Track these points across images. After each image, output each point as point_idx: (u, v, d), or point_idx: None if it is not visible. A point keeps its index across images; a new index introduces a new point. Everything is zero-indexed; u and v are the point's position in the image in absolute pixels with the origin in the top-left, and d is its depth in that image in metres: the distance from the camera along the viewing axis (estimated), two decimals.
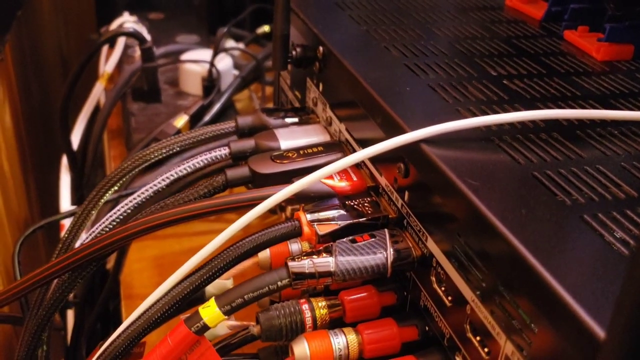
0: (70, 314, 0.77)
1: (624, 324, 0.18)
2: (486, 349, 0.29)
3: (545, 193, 0.30)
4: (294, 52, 0.50)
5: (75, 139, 0.88)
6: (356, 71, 0.41)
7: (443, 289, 0.33)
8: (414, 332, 0.36)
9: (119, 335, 0.37)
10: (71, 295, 0.75)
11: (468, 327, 0.31)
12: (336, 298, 0.37)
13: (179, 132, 0.74)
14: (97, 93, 0.89)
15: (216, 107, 0.79)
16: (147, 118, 0.82)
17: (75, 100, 0.91)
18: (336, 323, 0.37)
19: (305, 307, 0.36)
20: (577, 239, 0.26)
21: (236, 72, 0.89)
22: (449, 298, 0.33)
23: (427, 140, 0.33)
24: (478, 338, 0.30)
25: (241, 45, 0.98)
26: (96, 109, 0.91)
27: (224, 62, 0.87)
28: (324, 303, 0.37)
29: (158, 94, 0.85)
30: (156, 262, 0.68)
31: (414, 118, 0.35)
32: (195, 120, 0.77)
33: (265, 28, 0.98)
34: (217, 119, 0.80)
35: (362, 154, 0.34)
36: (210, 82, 0.83)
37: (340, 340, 0.35)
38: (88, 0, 1.26)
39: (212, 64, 0.83)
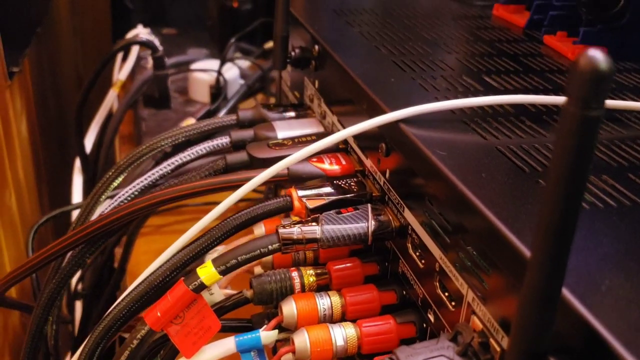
0: (78, 307, 0.80)
1: (539, 244, 0.21)
2: (453, 302, 0.33)
3: (505, 162, 0.33)
4: (293, 53, 0.54)
5: (88, 143, 0.92)
6: (346, 64, 0.45)
7: (417, 253, 0.37)
8: (392, 297, 0.39)
9: (124, 298, 0.40)
10: (80, 287, 0.79)
11: (437, 284, 0.34)
12: (324, 267, 0.41)
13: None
14: (111, 100, 0.94)
15: (222, 112, 0.84)
16: (156, 123, 0.86)
17: (89, 107, 0.95)
18: (323, 290, 0.40)
19: (294, 274, 0.40)
20: (530, 197, 0.30)
21: (242, 82, 0.94)
22: (422, 261, 0.36)
23: (405, 120, 0.37)
24: (446, 294, 0.33)
25: (248, 62, 1.02)
26: (109, 116, 0.95)
27: (231, 72, 0.92)
28: (312, 272, 0.40)
29: (168, 100, 0.89)
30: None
31: (395, 102, 0.39)
32: None
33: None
34: None
35: (346, 132, 0.38)
36: (218, 90, 0.88)
37: (325, 302, 0.38)
38: (104, 21, 1.31)
39: (219, 72, 0.88)
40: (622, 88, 0.45)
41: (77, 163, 0.92)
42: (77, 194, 0.91)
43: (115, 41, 1.16)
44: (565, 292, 0.23)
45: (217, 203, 0.72)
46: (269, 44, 1.03)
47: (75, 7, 1.35)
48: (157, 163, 0.69)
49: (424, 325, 0.36)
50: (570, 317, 0.23)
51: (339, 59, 0.46)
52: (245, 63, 0.99)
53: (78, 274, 0.81)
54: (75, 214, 0.78)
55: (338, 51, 0.47)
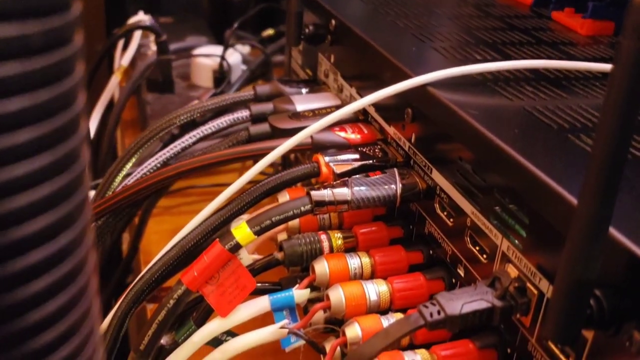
0: None
1: (590, 192, 0.22)
2: (484, 255, 0.34)
3: (534, 120, 0.34)
4: (306, 30, 0.55)
5: (91, 129, 0.93)
6: (367, 36, 0.46)
7: (445, 213, 0.38)
8: (419, 256, 0.40)
9: (157, 261, 0.41)
10: None
11: (468, 239, 0.35)
12: (350, 231, 0.42)
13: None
14: (113, 86, 0.94)
15: None
16: (161, 106, 0.86)
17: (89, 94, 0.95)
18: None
19: (323, 237, 0.41)
20: (561, 149, 0.31)
21: (244, 68, 0.94)
22: (451, 220, 0.37)
23: (432, 84, 0.38)
24: (477, 248, 0.35)
25: (247, 47, 1.03)
26: (111, 102, 0.96)
27: (234, 57, 0.92)
28: (339, 235, 0.41)
29: (172, 85, 0.89)
30: (172, 234, 0.71)
31: (419, 69, 0.40)
32: None
33: (270, 31, 1.04)
34: None
35: (375, 96, 0.39)
36: (221, 74, 0.88)
37: (355, 261, 0.39)
38: (97, 14, 1.30)
39: (223, 57, 0.89)
40: None
41: None
42: None
43: (110, 33, 1.16)
44: (610, 228, 0.25)
45: (226, 184, 0.74)
46: (266, 32, 1.03)
47: None
48: (165, 145, 0.70)
49: (453, 280, 0.38)
50: (615, 250, 0.24)
51: (359, 31, 0.47)
52: (245, 49, 1.00)
53: None
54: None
55: (357, 25, 0.48)
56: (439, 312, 0.29)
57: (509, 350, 0.33)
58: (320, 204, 0.39)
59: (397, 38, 0.47)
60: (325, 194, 0.39)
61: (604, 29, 0.52)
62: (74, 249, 0.15)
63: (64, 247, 0.15)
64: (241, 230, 0.38)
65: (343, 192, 0.39)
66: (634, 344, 0.24)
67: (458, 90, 0.38)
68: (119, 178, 0.53)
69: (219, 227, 0.41)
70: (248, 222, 0.38)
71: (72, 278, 0.15)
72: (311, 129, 0.41)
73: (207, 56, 0.91)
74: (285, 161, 0.65)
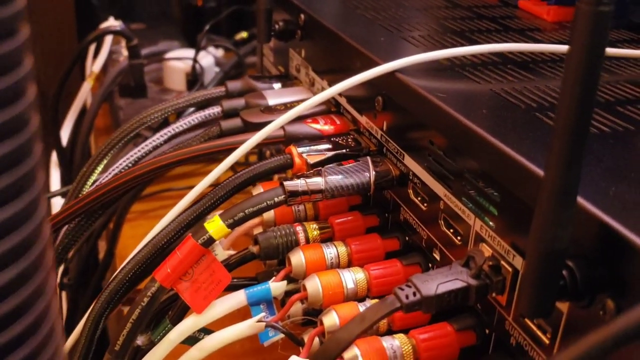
0: (63, 299, 0.79)
1: (555, 158, 0.22)
2: (458, 237, 0.34)
3: (502, 100, 0.35)
4: (276, 26, 0.55)
5: (64, 136, 0.91)
6: (336, 28, 0.46)
7: (419, 198, 0.38)
8: (395, 243, 0.40)
9: (130, 260, 0.40)
10: (65, 279, 0.78)
11: (442, 222, 0.35)
12: (326, 221, 0.42)
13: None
14: (85, 92, 0.93)
15: None
16: (134, 111, 0.85)
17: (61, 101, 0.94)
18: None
19: (299, 228, 0.41)
20: (529, 127, 0.31)
21: (218, 70, 0.94)
22: (425, 204, 0.37)
23: (401, 71, 0.38)
24: (451, 230, 0.35)
25: (220, 50, 1.02)
26: (83, 109, 0.94)
27: (206, 60, 0.92)
28: (315, 226, 0.41)
29: (144, 89, 0.89)
30: None
31: (388, 57, 0.40)
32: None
33: (243, 34, 1.03)
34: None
35: (345, 84, 0.39)
36: (194, 77, 0.88)
37: (332, 251, 0.39)
38: (68, 24, 1.28)
39: (195, 59, 0.88)
40: None
41: (54, 157, 0.91)
42: (55, 187, 0.89)
43: (81, 40, 1.15)
44: (578, 198, 0.25)
45: None
46: (239, 35, 1.03)
47: (33, 12, 1.31)
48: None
49: (430, 265, 0.37)
50: (585, 219, 0.24)
51: (328, 24, 0.47)
52: (219, 52, 0.99)
53: (61, 268, 0.80)
54: (54, 202, 0.77)
55: (326, 18, 0.48)
56: (414, 294, 0.29)
57: (487, 331, 0.33)
58: (293, 194, 0.38)
59: (366, 29, 0.47)
60: (298, 183, 0.39)
61: (569, 15, 0.53)
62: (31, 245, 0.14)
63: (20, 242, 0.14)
64: (214, 223, 0.37)
65: (317, 181, 0.39)
66: (608, 312, 0.24)
67: (426, 76, 0.38)
68: (90, 181, 0.52)
69: (192, 222, 0.40)
70: (221, 215, 0.37)
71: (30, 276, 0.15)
72: (281, 120, 0.41)
73: (179, 59, 0.91)
74: (262, 158, 0.65)
